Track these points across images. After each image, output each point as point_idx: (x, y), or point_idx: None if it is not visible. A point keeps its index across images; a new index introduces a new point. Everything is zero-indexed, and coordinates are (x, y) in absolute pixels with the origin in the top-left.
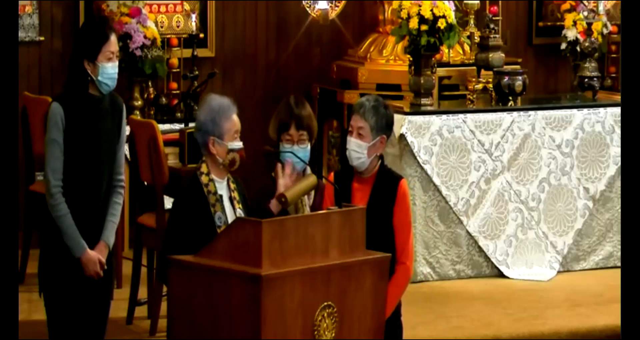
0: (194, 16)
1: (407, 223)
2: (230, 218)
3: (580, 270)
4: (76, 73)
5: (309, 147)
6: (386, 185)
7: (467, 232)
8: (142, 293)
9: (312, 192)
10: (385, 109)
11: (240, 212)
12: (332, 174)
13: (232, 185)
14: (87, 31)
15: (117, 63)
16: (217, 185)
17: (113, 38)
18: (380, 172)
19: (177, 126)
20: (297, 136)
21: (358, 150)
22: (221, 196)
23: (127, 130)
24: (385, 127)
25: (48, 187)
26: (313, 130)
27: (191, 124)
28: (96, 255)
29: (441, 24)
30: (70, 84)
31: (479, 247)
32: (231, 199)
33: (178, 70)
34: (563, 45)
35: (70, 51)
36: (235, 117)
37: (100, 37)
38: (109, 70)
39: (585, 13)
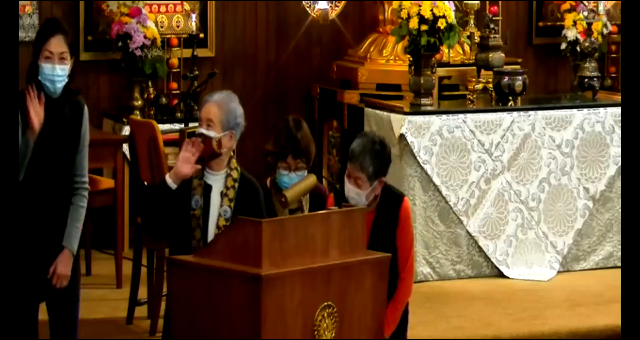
0: (194, 16)
1: (410, 242)
2: (212, 210)
3: (580, 270)
4: (30, 73)
5: (306, 172)
6: (388, 208)
7: (467, 232)
8: (142, 293)
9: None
10: (383, 150)
11: (226, 209)
12: (331, 195)
13: (231, 183)
14: (40, 28)
15: (58, 65)
16: (208, 175)
17: (55, 39)
18: (382, 199)
19: (177, 126)
20: (294, 164)
21: (356, 197)
22: (210, 186)
23: (87, 134)
24: (384, 169)
25: None
26: (311, 155)
27: (191, 124)
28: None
29: (441, 24)
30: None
31: (479, 247)
32: (222, 194)
33: (178, 70)
34: (563, 45)
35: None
36: (206, 105)
37: (41, 36)
38: (45, 71)
39: (585, 13)
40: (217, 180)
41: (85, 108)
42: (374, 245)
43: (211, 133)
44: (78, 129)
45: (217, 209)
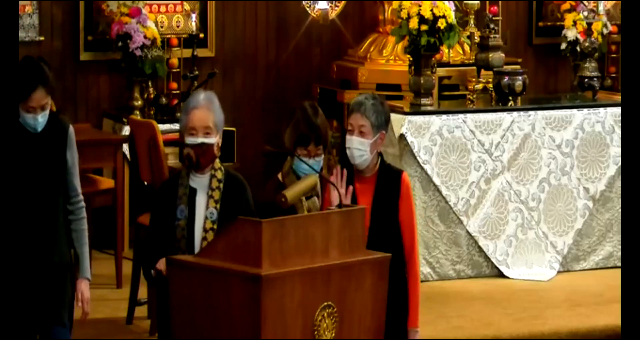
0: (194, 16)
1: (412, 218)
2: (198, 213)
3: (580, 270)
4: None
5: (322, 157)
6: (389, 181)
7: (467, 232)
8: (142, 293)
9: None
10: (383, 106)
11: (212, 211)
12: (351, 188)
13: (216, 183)
14: (19, 74)
15: (40, 114)
16: (193, 178)
17: (37, 93)
18: (382, 169)
19: (177, 126)
20: (314, 151)
21: (361, 147)
22: (195, 190)
23: (75, 153)
24: (384, 123)
25: None
26: (328, 140)
27: None
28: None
29: (441, 24)
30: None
31: (479, 247)
32: (208, 196)
33: (178, 70)
34: (563, 45)
35: (70, 51)
36: (196, 112)
37: (23, 89)
38: (27, 121)
39: (585, 13)
40: (201, 182)
41: (70, 128)
42: (376, 219)
43: (212, 140)
44: (64, 152)
45: (203, 211)
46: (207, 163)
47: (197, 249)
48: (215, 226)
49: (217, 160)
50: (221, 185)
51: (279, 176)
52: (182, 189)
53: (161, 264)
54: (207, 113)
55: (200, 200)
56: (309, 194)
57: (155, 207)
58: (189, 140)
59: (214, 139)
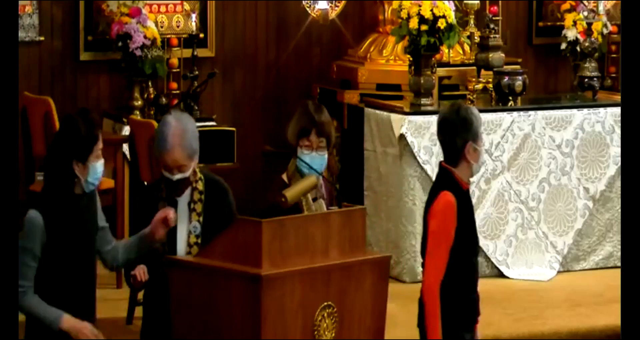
0: (194, 16)
1: (432, 229)
2: (180, 229)
3: (580, 270)
4: (62, 175)
5: (326, 154)
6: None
7: None
8: (142, 293)
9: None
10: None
11: (195, 225)
12: (447, 193)
13: (197, 196)
14: (74, 131)
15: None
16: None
17: (101, 135)
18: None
19: None
20: (316, 143)
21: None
22: (175, 202)
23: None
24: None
25: (18, 297)
26: (332, 137)
27: None
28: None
29: (441, 24)
30: (54, 187)
31: (479, 247)
32: (190, 209)
33: (178, 70)
34: (563, 45)
35: (70, 51)
36: (168, 155)
37: (91, 138)
38: (98, 169)
39: (585, 13)
40: (182, 199)
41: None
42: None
43: (187, 173)
44: (95, 210)
45: (186, 226)
46: (184, 190)
47: None
48: (199, 240)
49: (197, 171)
50: (203, 196)
51: (284, 177)
52: (162, 203)
53: (138, 270)
54: (178, 152)
55: (182, 215)
56: (309, 193)
57: (134, 215)
58: (166, 174)
59: (190, 170)
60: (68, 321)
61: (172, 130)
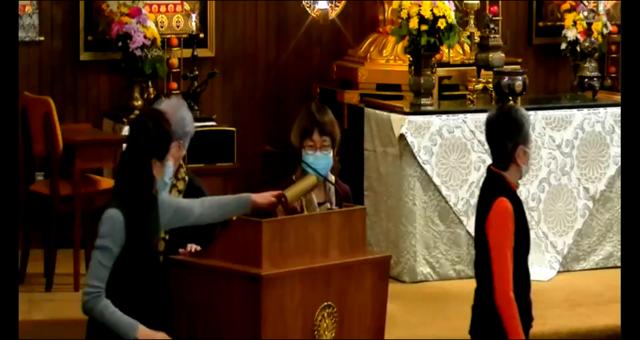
0: (194, 16)
1: (493, 239)
2: None
3: (580, 270)
4: (143, 174)
5: (331, 154)
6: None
7: (467, 232)
8: None
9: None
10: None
11: None
12: (503, 199)
13: (175, 194)
14: (157, 129)
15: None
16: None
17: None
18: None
19: None
20: (320, 142)
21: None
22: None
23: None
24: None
25: (87, 291)
26: (336, 137)
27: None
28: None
29: (441, 24)
30: (137, 187)
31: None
32: None
33: (178, 70)
34: (563, 45)
35: (70, 51)
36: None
37: (168, 136)
38: (170, 169)
39: (585, 13)
40: (162, 191)
41: None
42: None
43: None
44: (158, 215)
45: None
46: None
47: None
48: (167, 236)
49: (183, 170)
50: (181, 196)
51: (294, 178)
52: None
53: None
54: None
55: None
56: (314, 196)
57: None
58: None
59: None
60: (144, 332)
61: (163, 105)
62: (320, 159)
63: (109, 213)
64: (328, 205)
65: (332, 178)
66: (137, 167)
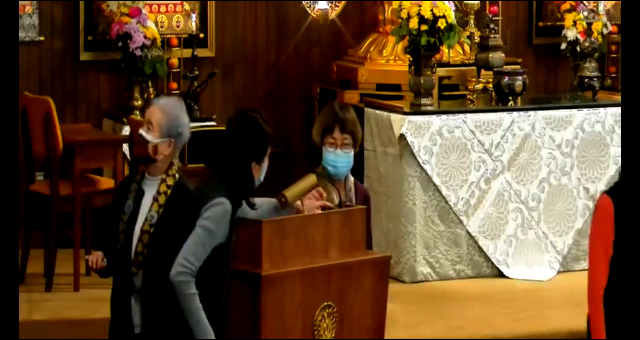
0: (194, 16)
1: (591, 240)
2: (141, 213)
3: (580, 270)
4: (246, 176)
5: (352, 152)
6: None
7: (467, 232)
8: None
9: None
10: None
11: (153, 214)
12: (605, 195)
13: (164, 189)
14: (258, 131)
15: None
16: (145, 180)
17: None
18: None
19: None
20: (340, 140)
21: None
22: (142, 191)
23: None
24: None
25: (183, 264)
26: (357, 136)
27: (191, 124)
28: None
29: (441, 24)
30: (240, 188)
31: (479, 247)
32: (153, 199)
33: (178, 70)
34: (563, 45)
35: (70, 51)
36: (151, 108)
37: (267, 138)
38: (265, 169)
39: (585, 13)
40: (152, 186)
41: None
42: None
43: (149, 137)
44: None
45: (146, 212)
46: (139, 156)
47: (133, 246)
48: (152, 230)
49: (175, 168)
50: (169, 191)
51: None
52: (134, 184)
53: (92, 256)
54: (157, 112)
55: (146, 201)
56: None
57: (113, 199)
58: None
59: (151, 136)
60: None
61: (165, 99)
62: (341, 156)
63: (222, 200)
64: (348, 204)
65: (352, 179)
66: (240, 169)
